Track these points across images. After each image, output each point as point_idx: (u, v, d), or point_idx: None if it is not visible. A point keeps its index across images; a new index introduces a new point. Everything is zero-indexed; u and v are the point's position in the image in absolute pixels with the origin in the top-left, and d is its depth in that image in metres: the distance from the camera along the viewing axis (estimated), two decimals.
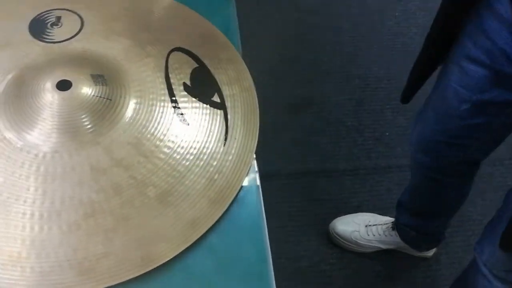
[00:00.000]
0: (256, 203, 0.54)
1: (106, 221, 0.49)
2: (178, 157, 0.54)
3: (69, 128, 0.53)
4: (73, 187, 0.51)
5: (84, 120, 0.54)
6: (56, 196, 0.50)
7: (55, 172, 0.51)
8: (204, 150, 0.55)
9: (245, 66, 0.63)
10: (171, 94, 0.58)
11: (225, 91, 0.60)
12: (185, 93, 0.58)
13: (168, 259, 0.49)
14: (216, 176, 0.54)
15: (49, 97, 0.54)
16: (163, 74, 0.59)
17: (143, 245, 0.49)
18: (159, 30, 0.64)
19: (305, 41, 1.92)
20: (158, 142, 0.55)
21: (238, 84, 0.61)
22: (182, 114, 0.56)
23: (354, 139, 1.65)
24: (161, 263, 0.48)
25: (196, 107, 0.57)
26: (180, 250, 0.49)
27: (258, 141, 0.57)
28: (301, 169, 1.58)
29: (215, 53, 0.63)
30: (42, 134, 0.53)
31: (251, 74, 0.62)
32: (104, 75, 0.57)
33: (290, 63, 1.84)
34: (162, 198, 0.51)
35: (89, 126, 0.54)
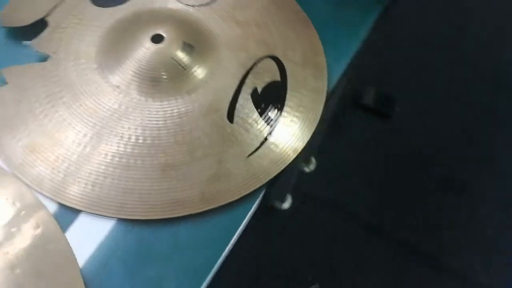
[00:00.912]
0: (239, 220, 0.54)
1: (106, 157, 0.55)
2: (205, 142, 0.57)
3: (144, 77, 0.60)
4: (113, 127, 0.57)
5: (163, 75, 0.60)
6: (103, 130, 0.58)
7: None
8: (228, 150, 0.57)
9: (324, 101, 0.62)
10: (237, 91, 0.60)
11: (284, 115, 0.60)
12: (248, 96, 0.60)
13: (137, 218, 0.53)
14: (222, 178, 0.55)
15: (144, 43, 0.61)
16: (243, 71, 0.62)
17: (125, 194, 0.54)
18: (270, 31, 0.66)
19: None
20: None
21: (301, 115, 0.60)
22: (233, 111, 0.59)
23: (488, 248, 1.44)
24: (130, 218, 0.53)
25: (246, 113, 0.59)
26: (149, 218, 0.53)
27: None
28: (409, 243, 1.47)
29: (304, 77, 0.63)
30: (122, 72, 0.60)
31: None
32: (195, 47, 0.62)
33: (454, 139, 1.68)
34: (165, 168, 0.55)
35: (166, 80, 0.60)
